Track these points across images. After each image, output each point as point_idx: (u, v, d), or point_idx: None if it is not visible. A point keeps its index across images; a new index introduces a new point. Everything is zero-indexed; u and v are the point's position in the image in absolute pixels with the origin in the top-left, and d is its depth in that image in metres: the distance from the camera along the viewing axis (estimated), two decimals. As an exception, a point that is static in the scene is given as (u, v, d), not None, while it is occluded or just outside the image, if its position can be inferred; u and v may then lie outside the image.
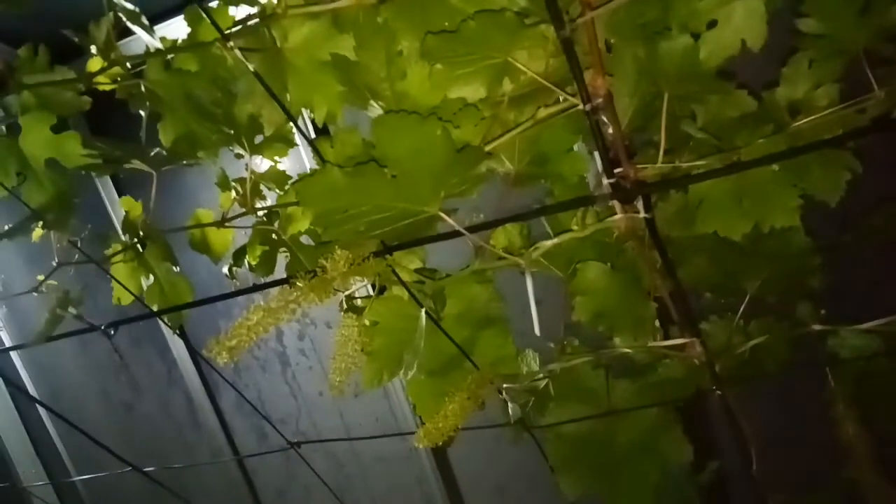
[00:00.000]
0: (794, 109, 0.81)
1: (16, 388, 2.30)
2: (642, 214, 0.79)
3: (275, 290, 0.77)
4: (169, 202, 1.82)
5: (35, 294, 1.04)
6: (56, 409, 2.44)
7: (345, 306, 1.08)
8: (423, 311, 0.95)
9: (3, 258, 2.19)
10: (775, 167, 0.79)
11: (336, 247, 0.76)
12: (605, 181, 0.75)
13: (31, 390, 2.42)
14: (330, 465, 2.26)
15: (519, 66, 0.70)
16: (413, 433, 0.89)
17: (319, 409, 2.24)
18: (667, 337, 1.03)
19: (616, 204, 0.79)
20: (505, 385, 1.05)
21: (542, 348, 1.14)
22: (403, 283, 0.90)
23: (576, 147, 0.92)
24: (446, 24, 0.69)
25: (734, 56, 0.72)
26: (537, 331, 0.76)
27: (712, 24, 0.71)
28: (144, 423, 2.43)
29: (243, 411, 2.32)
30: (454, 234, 0.81)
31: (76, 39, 0.77)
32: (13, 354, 2.39)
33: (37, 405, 2.39)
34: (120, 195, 1.98)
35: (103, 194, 2.05)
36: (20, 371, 2.42)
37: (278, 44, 0.73)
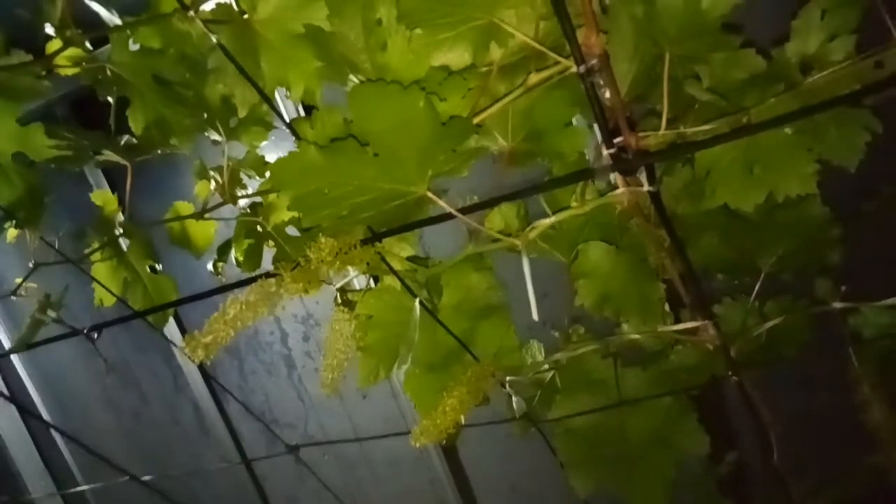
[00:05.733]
0: (806, 66, 0.75)
1: (22, 408, 2.27)
2: (646, 187, 0.74)
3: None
4: (157, 198, 1.77)
5: (13, 298, 0.99)
6: (63, 418, 2.41)
7: (339, 301, 1.03)
8: (417, 301, 0.90)
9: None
10: (788, 130, 0.73)
11: (320, 234, 0.71)
12: (605, 152, 0.70)
13: (37, 400, 2.40)
14: (341, 469, 2.22)
15: (506, 27, 0.64)
16: (418, 432, 0.84)
17: (327, 411, 2.20)
18: (678, 321, 0.98)
19: (617, 177, 0.74)
20: (508, 378, 0.99)
21: (545, 339, 1.08)
22: (395, 272, 0.85)
23: (574, 121, 0.87)
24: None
25: (740, 8, 0.66)
26: (535, 315, 0.70)
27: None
28: (152, 431, 2.41)
29: (251, 416, 2.28)
30: (446, 216, 0.75)
31: (28, 16, 0.72)
32: (18, 366, 2.37)
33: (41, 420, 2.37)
34: (113, 190, 1.91)
35: (94, 189, 2.00)
36: (25, 382, 2.39)
37: (247, 16, 0.68)
